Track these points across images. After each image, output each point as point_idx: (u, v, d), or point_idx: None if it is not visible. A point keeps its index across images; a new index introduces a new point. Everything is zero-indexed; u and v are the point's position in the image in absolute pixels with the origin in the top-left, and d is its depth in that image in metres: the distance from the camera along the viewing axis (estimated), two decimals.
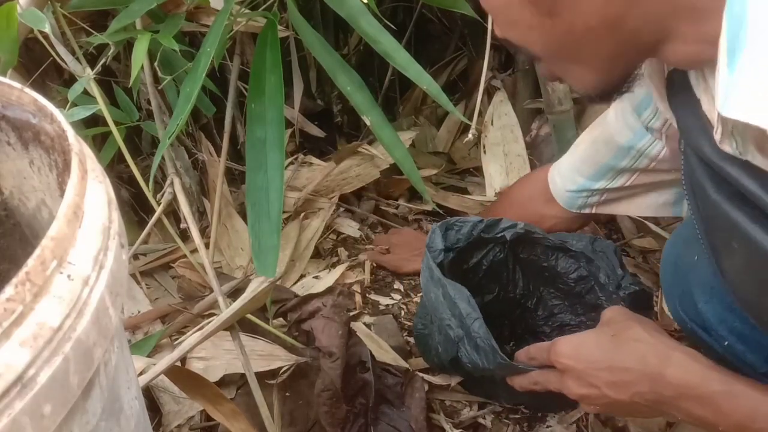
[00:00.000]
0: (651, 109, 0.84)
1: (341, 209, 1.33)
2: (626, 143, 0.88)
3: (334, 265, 1.22)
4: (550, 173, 1.02)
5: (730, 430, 0.64)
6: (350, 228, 1.31)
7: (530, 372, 0.80)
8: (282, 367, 0.93)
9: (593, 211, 1.00)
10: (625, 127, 0.88)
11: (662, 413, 0.71)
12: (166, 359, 0.81)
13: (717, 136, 0.54)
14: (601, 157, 0.93)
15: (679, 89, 0.64)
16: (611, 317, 0.76)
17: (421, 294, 1.18)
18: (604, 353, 0.71)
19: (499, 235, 0.97)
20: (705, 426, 0.67)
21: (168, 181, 1.08)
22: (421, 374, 0.97)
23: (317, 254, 1.25)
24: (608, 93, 0.65)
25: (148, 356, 0.96)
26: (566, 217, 1.02)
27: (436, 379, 0.98)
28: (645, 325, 0.72)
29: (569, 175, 0.98)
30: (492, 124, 1.43)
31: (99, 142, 1.20)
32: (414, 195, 1.39)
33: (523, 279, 1.03)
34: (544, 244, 0.98)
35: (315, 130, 1.44)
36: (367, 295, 1.18)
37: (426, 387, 0.95)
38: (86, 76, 0.98)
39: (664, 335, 0.71)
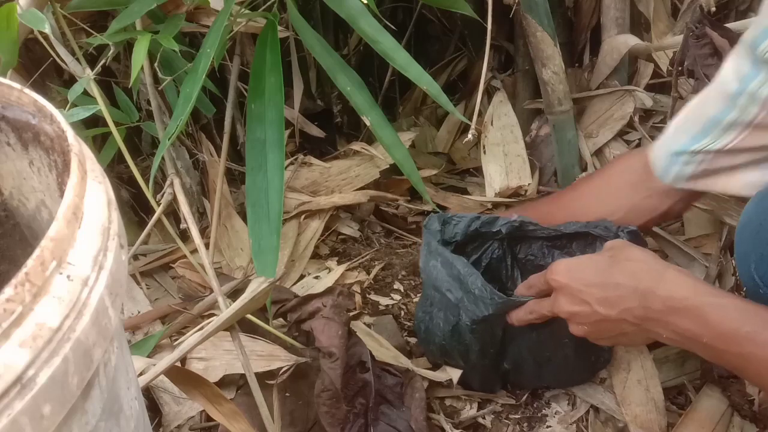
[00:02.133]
0: None
1: (341, 210, 1.33)
2: (736, 90, 0.81)
3: (337, 264, 1.23)
4: (653, 146, 0.93)
5: (714, 342, 0.65)
6: (350, 228, 1.32)
7: (526, 302, 0.83)
8: (282, 368, 0.93)
9: (687, 185, 0.90)
10: (735, 74, 0.82)
11: (648, 335, 0.72)
12: (166, 359, 0.81)
13: None
14: (708, 110, 0.85)
15: None
16: (612, 245, 0.77)
17: (420, 294, 1.18)
18: (598, 271, 0.74)
19: (495, 230, 0.98)
20: (690, 341, 0.68)
21: (168, 182, 1.08)
22: (421, 372, 0.97)
23: (317, 254, 1.25)
24: None
25: (148, 356, 0.96)
26: (662, 194, 0.92)
27: (437, 375, 0.97)
28: (643, 250, 0.74)
29: (673, 136, 0.90)
30: (492, 124, 1.43)
31: (99, 142, 1.20)
32: (414, 195, 1.39)
33: (522, 279, 1.04)
34: (541, 237, 0.99)
35: (315, 131, 1.44)
36: (367, 295, 1.18)
37: (426, 384, 0.95)
38: (86, 77, 0.98)
39: (661, 259, 0.72)
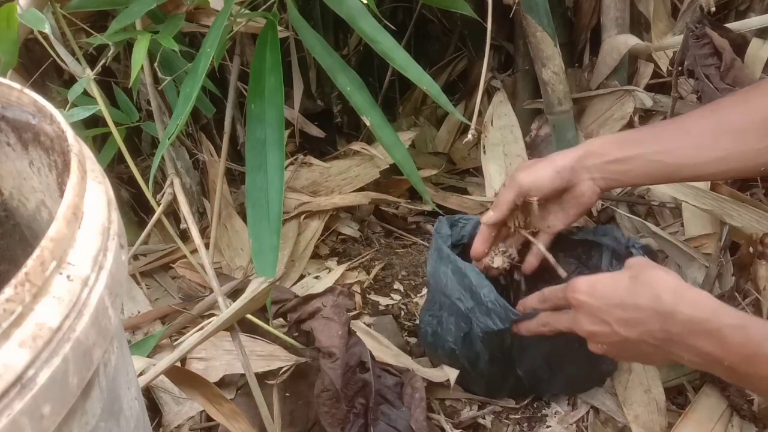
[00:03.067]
0: None
1: (341, 210, 1.33)
2: None
3: (337, 264, 1.23)
4: None
5: (737, 365, 0.64)
6: (350, 229, 1.32)
7: (540, 314, 0.81)
8: (282, 368, 0.93)
9: None
10: None
11: (668, 356, 0.71)
12: (166, 359, 0.81)
13: None
14: None
15: None
16: (633, 263, 0.75)
17: (421, 294, 1.18)
18: (619, 291, 0.71)
19: None
20: (711, 364, 0.67)
21: (168, 182, 1.08)
22: (420, 372, 0.97)
23: (317, 254, 1.25)
24: None
25: (148, 356, 0.96)
26: None
27: (436, 374, 0.97)
28: (666, 270, 0.72)
29: None
30: (492, 124, 1.43)
31: (99, 142, 1.20)
32: (414, 195, 1.39)
33: (525, 281, 1.03)
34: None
35: (315, 131, 1.44)
36: (367, 295, 1.18)
37: (426, 383, 0.95)
38: (86, 77, 0.98)
39: (683, 281, 0.71)
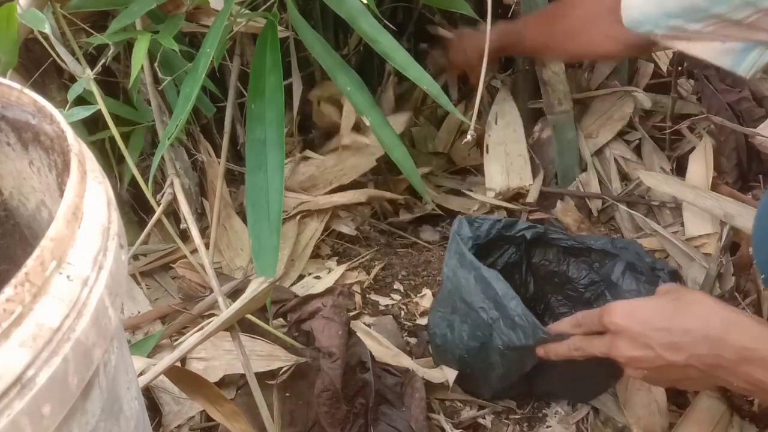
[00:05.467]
0: None
1: (340, 209, 1.32)
2: None
3: (337, 264, 1.23)
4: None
5: None
6: (349, 228, 1.31)
7: (571, 337, 0.78)
8: (282, 368, 0.93)
9: (655, 39, 0.89)
10: None
11: (714, 381, 0.70)
12: (166, 359, 0.81)
13: None
14: None
15: None
16: (669, 288, 0.75)
17: (421, 294, 1.18)
18: (664, 315, 0.70)
19: (518, 235, 0.96)
20: (762, 392, 0.66)
21: (168, 182, 1.08)
22: (421, 372, 0.97)
23: (317, 254, 1.25)
24: None
25: (148, 356, 0.96)
26: (626, 41, 0.93)
27: (436, 375, 0.97)
28: (707, 294, 0.72)
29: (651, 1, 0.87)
30: (496, 123, 1.42)
31: (99, 141, 1.20)
32: (414, 195, 1.39)
33: (534, 284, 1.03)
34: (560, 246, 0.97)
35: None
36: (367, 295, 1.18)
37: (425, 383, 0.95)
38: (86, 77, 0.98)
39: (728, 305, 0.70)
